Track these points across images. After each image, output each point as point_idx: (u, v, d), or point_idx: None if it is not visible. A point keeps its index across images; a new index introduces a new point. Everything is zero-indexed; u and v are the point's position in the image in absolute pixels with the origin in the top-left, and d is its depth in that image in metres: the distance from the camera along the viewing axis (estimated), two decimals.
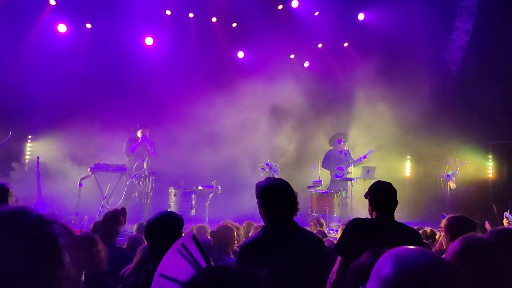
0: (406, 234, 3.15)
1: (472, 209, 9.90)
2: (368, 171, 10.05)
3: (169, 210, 8.81)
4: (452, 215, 3.50)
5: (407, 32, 10.52)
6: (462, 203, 10.24)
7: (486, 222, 5.84)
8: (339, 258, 3.09)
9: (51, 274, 0.97)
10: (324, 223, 6.60)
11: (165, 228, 2.72)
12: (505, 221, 6.70)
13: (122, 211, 4.10)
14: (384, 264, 1.11)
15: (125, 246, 4.27)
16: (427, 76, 10.47)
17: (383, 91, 10.59)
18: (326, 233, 6.08)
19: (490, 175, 11.04)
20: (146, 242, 3.99)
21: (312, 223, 6.53)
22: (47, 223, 1.01)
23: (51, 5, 10.09)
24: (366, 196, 3.41)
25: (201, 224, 5.16)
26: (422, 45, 10.71)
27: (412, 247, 1.14)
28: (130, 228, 6.58)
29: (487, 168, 11.12)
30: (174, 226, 2.77)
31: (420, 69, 10.35)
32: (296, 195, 2.82)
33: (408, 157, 12.13)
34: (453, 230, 3.31)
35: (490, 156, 11.19)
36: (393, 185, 3.37)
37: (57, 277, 0.98)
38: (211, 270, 1.26)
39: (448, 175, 10.09)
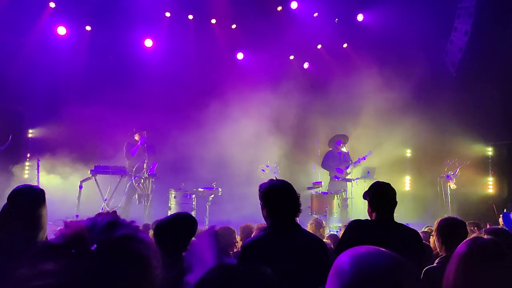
0: (406, 235, 3.16)
1: (473, 209, 9.89)
2: (368, 172, 10.04)
3: (169, 212, 8.86)
4: (441, 217, 3.47)
5: (406, 33, 10.53)
6: (462, 204, 10.23)
7: (487, 224, 5.85)
8: None
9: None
10: (324, 225, 6.24)
11: (178, 229, 2.69)
12: (500, 220, 6.72)
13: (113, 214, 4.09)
14: (343, 263, 1.11)
15: None
16: (426, 77, 10.48)
17: (382, 92, 10.59)
18: (324, 236, 5.84)
19: (490, 175, 11.05)
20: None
21: (309, 225, 6.05)
22: (141, 231, 1.10)
23: (50, 7, 10.10)
24: (365, 197, 3.41)
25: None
26: (421, 46, 10.72)
27: (373, 247, 1.13)
28: None
29: (487, 168, 11.12)
30: (188, 228, 2.74)
31: (418, 70, 10.36)
32: (299, 196, 2.85)
33: (408, 157, 12.13)
34: (444, 233, 3.29)
35: (490, 156, 11.20)
36: (393, 186, 3.37)
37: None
38: (220, 267, 1.33)
39: (448, 176, 10.08)
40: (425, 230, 5.58)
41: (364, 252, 1.11)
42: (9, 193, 2.73)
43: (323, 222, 6.36)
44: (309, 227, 5.95)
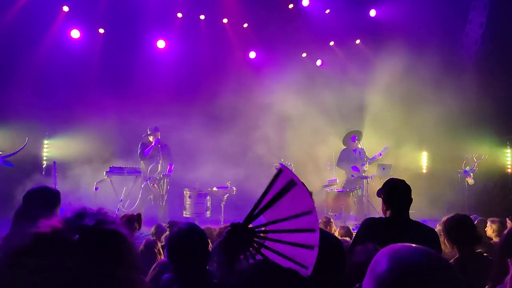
0: (422, 232, 3.09)
1: (492, 205, 9.72)
2: (384, 168, 9.95)
3: (184, 212, 8.89)
4: (448, 216, 3.38)
5: (419, 27, 10.39)
6: (481, 199, 10.06)
7: (507, 219, 5.71)
8: None
9: (115, 274, 1.10)
10: (331, 222, 6.17)
11: (191, 245, 2.44)
12: None
13: (138, 216, 4.12)
14: (380, 262, 1.11)
15: (140, 250, 4.24)
16: (441, 71, 10.32)
17: (396, 87, 10.48)
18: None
19: (509, 170, 10.84)
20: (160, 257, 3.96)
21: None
22: (110, 224, 1.17)
23: (64, 11, 10.22)
24: (379, 194, 3.34)
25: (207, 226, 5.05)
26: (435, 40, 10.57)
27: (409, 244, 1.13)
28: (146, 230, 6.63)
29: (506, 162, 10.92)
30: (201, 242, 2.52)
31: (433, 64, 10.21)
32: (311, 195, 2.80)
33: (425, 153, 11.98)
34: (453, 232, 3.21)
35: (509, 150, 10.99)
36: (410, 182, 3.30)
37: (120, 277, 1.11)
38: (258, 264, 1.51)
39: (465, 171, 9.93)
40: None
41: (400, 248, 1.12)
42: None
43: (331, 219, 6.30)
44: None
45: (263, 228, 1.93)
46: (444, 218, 3.36)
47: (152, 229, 5.40)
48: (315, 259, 1.82)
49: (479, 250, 3.24)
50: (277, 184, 1.87)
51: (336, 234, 5.65)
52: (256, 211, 1.89)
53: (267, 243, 1.88)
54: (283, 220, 1.86)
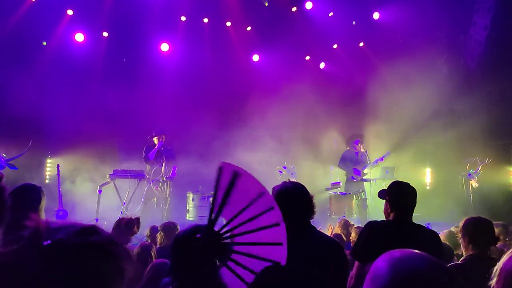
0: (425, 236, 3.07)
1: (496, 207, 9.66)
2: (387, 171, 9.91)
3: (187, 214, 8.90)
4: (469, 216, 3.39)
5: (423, 29, 10.36)
6: (485, 202, 10.00)
7: None
8: (356, 262, 3.04)
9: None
10: (351, 223, 6.12)
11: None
12: None
13: (136, 220, 4.15)
14: (380, 269, 1.08)
15: (136, 253, 4.21)
16: (445, 73, 10.30)
17: (400, 90, 10.45)
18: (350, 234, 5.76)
19: None
20: (154, 259, 3.95)
21: (338, 223, 6.03)
22: (116, 244, 1.05)
23: (68, 15, 10.27)
24: (382, 196, 3.30)
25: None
26: (439, 42, 10.56)
27: (410, 250, 1.10)
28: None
29: (510, 165, 10.86)
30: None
31: (438, 66, 10.20)
32: (312, 198, 2.78)
33: (428, 156, 11.92)
34: (470, 232, 3.20)
35: None
36: (414, 185, 3.28)
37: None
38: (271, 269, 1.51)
39: (469, 174, 9.88)
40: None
41: (401, 256, 1.09)
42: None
43: (350, 221, 6.25)
44: (336, 226, 5.91)
45: (227, 229, 1.90)
46: (464, 219, 3.35)
47: (147, 232, 5.39)
48: (286, 253, 1.82)
49: (493, 256, 3.22)
50: (223, 181, 1.86)
51: (338, 230, 5.72)
52: (214, 214, 1.88)
53: (236, 247, 1.86)
54: (247, 221, 1.86)
